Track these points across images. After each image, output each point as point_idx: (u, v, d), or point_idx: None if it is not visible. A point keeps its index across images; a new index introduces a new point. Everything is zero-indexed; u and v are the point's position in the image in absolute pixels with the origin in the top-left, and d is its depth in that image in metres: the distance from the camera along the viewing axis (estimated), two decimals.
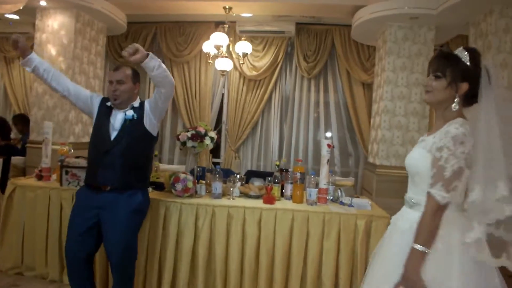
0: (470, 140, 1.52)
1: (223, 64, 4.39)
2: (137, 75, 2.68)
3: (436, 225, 1.53)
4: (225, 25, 4.31)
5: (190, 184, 3.05)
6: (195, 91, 5.79)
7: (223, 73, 4.65)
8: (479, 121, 1.54)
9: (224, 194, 3.20)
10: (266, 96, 5.65)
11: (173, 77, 5.63)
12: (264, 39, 5.57)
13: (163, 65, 2.47)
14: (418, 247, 1.51)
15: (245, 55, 4.35)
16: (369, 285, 1.78)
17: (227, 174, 3.58)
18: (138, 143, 2.60)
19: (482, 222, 1.51)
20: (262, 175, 4.09)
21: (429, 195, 1.55)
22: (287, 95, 5.80)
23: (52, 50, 4.49)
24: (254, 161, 5.85)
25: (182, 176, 3.05)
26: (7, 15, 5.39)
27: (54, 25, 4.48)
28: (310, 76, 5.57)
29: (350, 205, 3.10)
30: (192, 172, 3.71)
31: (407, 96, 4.07)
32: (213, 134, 3.14)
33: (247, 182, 3.62)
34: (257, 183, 3.66)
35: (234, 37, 5.37)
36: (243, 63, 4.77)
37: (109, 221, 2.52)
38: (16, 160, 4.43)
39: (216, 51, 4.35)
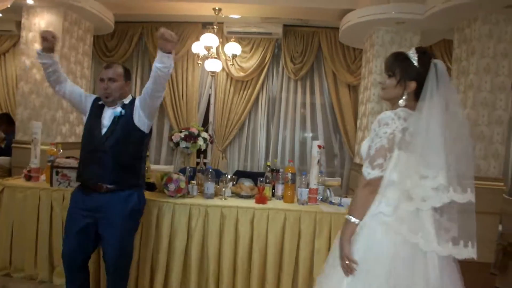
0: (398, 123, 1.64)
1: (213, 65, 4.42)
2: (128, 73, 2.69)
3: (366, 199, 1.67)
4: (215, 26, 4.32)
5: (182, 185, 3.07)
6: (182, 92, 5.79)
7: (213, 74, 4.67)
8: (421, 112, 1.63)
9: (216, 194, 3.24)
10: (253, 97, 5.71)
11: None
12: (252, 41, 5.62)
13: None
14: (350, 218, 1.67)
15: (234, 56, 4.39)
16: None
17: (216, 175, 3.62)
18: (128, 140, 2.55)
19: (422, 208, 1.63)
20: (251, 175, 4.13)
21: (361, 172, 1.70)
22: (274, 96, 5.86)
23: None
24: (241, 161, 5.89)
25: (174, 176, 3.07)
26: None
27: (41, 24, 4.42)
28: (296, 77, 5.65)
29: (340, 205, 3.18)
30: (183, 172, 3.73)
31: None
32: (205, 135, 3.18)
33: (236, 182, 3.66)
34: (247, 183, 3.70)
35: (222, 38, 5.39)
36: (232, 64, 4.80)
37: (106, 224, 2.51)
38: (1, 160, 4.36)
39: (205, 52, 4.37)
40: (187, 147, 3.09)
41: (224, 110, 5.73)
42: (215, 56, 4.45)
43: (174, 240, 2.99)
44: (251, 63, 5.60)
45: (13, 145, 4.52)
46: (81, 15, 4.69)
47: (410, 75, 1.70)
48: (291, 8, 4.59)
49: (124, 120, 2.56)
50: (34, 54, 4.44)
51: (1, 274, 3.24)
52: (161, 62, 2.37)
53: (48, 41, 2.44)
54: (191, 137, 3.06)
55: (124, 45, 5.90)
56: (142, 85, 6.01)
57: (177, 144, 3.10)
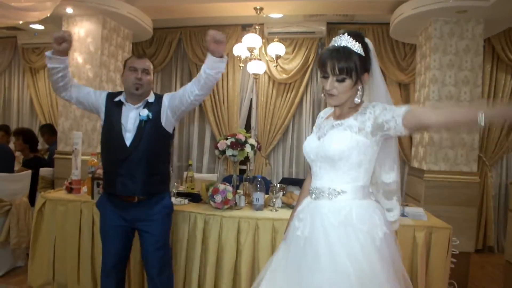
0: None
1: (256, 67, 4.18)
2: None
3: None
4: (257, 26, 4.10)
5: (230, 196, 2.85)
6: (223, 97, 5.60)
7: (256, 76, 4.44)
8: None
9: (265, 205, 2.99)
10: (297, 99, 5.42)
11: None
12: (294, 41, 5.35)
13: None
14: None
15: (278, 57, 4.14)
16: None
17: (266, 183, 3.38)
18: (157, 145, 2.38)
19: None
20: (299, 182, 3.85)
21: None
22: (319, 98, 5.55)
23: (79, 58, 4.37)
24: (286, 167, 5.61)
25: (221, 187, 2.85)
26: (32, 26, 5.33)
27: (81, 33, 4.36)
28: None
29: (404, 215, 2.84)
30: (227, 180, 3.52)
31: (456, 95, 3.78)
32: (253, 141, 2.94)
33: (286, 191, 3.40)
34: (297, 192, 3.43)
35: (263, 40, 5.15)
36: (276, 66, 4.55)
37: (146, 231, 2.40)
38: (44, 171, 4.31)
39: (248, 54, 4.14)
40: (233, 155, 2.85)
41: (267, 115, 5.48)
42: (258, 57, 4.21)
43: (222, 256, 2.77)
44: (294, 64, 5.33)
45: (55, 156, 4.47)
46: (120, 22, 4.60)
47: (364, 69, 1.56)
48: (337, 3, 4.29)
49: (152, 124, 2.36)
50: (75, 63, 4.40)
51: None
52: (213, 68, 2.21)
53: (66, 41, 2.22)
54: (238, 144, 2.83)
55: (163, 52, 5.79)
56: None
57: (223, 152, 2.87)
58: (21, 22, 3.73)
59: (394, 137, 1.60)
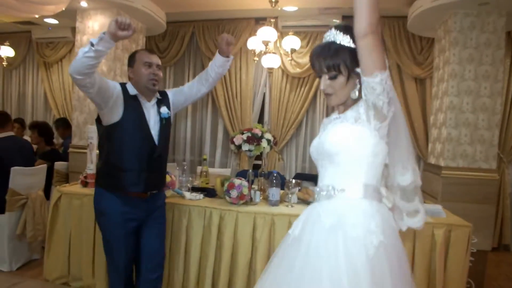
0: None
1: (271, 61, 4.13)
2: None
3: None
4: (271, 20, 4.04)
5: (245, 191, 2.82)
6: (236, 91, 5.56)
7: (271, 70, 4.39)
8: None
9: (280, 200, 2.96)
10: (310, 94, 5.36)
11: None
12: (308, 34, 5.28)
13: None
14: None
15: (293, 51, 4.08)
16: None
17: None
18: (168, 140, 2.50)
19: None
20: (313, 178, 3.81)
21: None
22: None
23: None
24: (299, 162, 5.57)
25: (237, 182, 2.83)
26: (46, 20, 5.34)
27: (95, 26, 4.36)
28: None
29: None
30: (241, 175, 3.48)
31: (476, 90, 3.69)
32: (269, 136, 2.90)
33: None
34: (312, 188, 3.39)
35: (277, 33, 5.10)
36: (291, 60, 4.50)
37: (153, 223, 2.45)
38: (58, 165, 4.33)
39: (262, 48, 4.09)
40: (250, 150, 2.82)
41: (280, 109, 5.43)
42: (273, 51, 4.16)
43: (238, 252, 2.74)
44: (308, 58, 5.25)
45: (69, 150, 4.48)
46: (133, 15, 4.58)
47: (355, 62, 1.40)
48: None
49: (167, 121, 2.42)
50: None
51: (59, 283, 3.18)
52: (224, 68, 2.40)
53: (129, 30, 1.97)
54: (254, 139, 2.79)
55: (176, 46, 5.77)
56: None
57: (239, 147, 2.84)
58: (37, 16, 3.73)
59: (403, 129, 1.50)
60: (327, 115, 5.32)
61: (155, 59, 2.34)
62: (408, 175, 1.50)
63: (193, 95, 2.49)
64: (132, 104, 2.29)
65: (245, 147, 2.80)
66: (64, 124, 5.15)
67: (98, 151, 2.48)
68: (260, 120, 5.69)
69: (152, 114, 2.35)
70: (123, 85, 2.32)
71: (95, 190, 2.43)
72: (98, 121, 2.34)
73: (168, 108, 2.42)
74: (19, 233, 3.56)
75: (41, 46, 6.36)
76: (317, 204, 1.53)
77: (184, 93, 2.48)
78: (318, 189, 1.54)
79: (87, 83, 2.08)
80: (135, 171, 2.28)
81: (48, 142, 4.68)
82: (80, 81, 2.06)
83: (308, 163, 5.55)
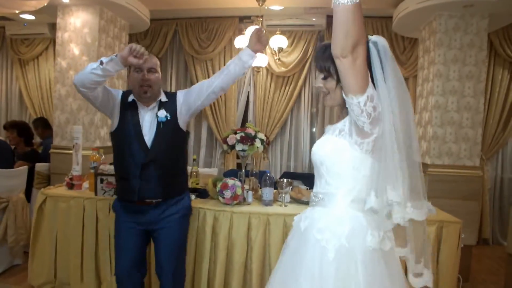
0: None
1: (258, 60, 4.11)
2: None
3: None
4: (259, 19, 4.02)
5: (239, 191, 2.80)
6: None
7: (258, 69, 4.37)
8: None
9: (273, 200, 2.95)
10: (295, 93, 5.38)
11: (196, 75, 5.49)
12: (293, 34, 5.29)
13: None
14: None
15: (280, 50, 4.07)
16: None
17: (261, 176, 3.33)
18: (174, 146, 2.30)
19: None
20: (301, 176, 3.82)
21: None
22: (318, 91, 5.51)
23: (75, 49, 4.23)
24: (284, 161, 5.58)
25: (230, 182, 2.80)
26: (22, 16, 5.15)
27: (77, 23, 4.22)
28: None
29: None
30: (228, 175, 3.46)
31: (460, 90, 3.79)
32: (262, 135, 2.88)
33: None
34: (302, 187, 3.40)
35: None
36: (278, 59, 4.49)
37: (161, 234, 2.30)
38: (40, 167, 4.18)
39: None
40: (243, 150, 2.80)
41: (265, 108, 5.43)
42: None
43: (233, 252, 2.72)
44: (293, 57, 5.28)
45: (51, 150, 4.34)
46: (116, 12, 4.47)
47: None
48: None
49: (170, 125, 2.26)
50: (71, 55, 4.25)
51: None
52: (245, 66, 2.25)
53: (141, 58, 2.02)
54: (248, 139, 2.77)
55: (158, 43, 5.67)
56: (177, 84, 5.82)
57: (232, 147, 2.81)
58: (17, 12, 3.59)
59: (390, 149, 1.35)
60: (312, 114, 5.39)
61: (147, 63, 2.17)
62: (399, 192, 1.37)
63: (204, 90, 2.27)
64: (128, 111, 2.25)
65: (239, 147, 2.78)
66: (43, 124, 4.98)
67: None
68: (244, 119, 5.67)
69: (147, 119, 2.25)
70: (125, 93, 2.32)
71: None
72: None
73: (171, 111, 2.27)
74: (0, 238, 3.42)
75: (15, 42, 6.13)
76: (306, 210, 1.57)
77: (194, 89, 2.32)
78: (311, 195, 1.57)
79: (90, 96, 2.14)
80: (128, 178, 2.24)
81: (28, 143, 4.52)
82: (83, 94, 2.13)
83: (293, 162, 5.57)
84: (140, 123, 2.24)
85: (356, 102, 1.29)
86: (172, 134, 2.27)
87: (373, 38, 1.41)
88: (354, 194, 1.43)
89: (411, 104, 1.44)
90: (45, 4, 3.40)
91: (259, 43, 2.19)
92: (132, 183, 2.22)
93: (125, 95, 2.31)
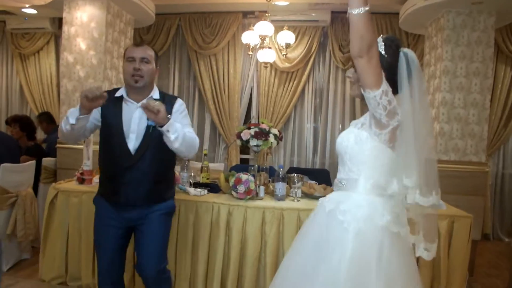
0: None
1: (266, 55, 4.12)
2: (158, 59, 2.28)
3: None
4: (267, 14, 4.03)
5: (252, 186, 2.83)
6: (223, 85, 5.52)
7: (266, 65, 4.38)
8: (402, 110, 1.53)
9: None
10: (299, 88, 5.40)
11: (200, 70, 5.48)
12: (297, 29, 5.29)
13: (186, 134, 2.09)
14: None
15: (288, 45, 4.09)
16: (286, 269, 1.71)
17: (271, 172, 3.35)
18: (163, 149, 2.12)
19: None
20: (308, 172, 3.85)
21: None
22: (321, 87, 5.54)
23: (82, 44, 4.21)
24: (288, 156, 5.61)
25: (244, 177, 2.82)
26: (24, 10, 5.10)
27: (83, 18, 4.19)
28: (345, 67, 5.29)
29: (440, 206, 2.87)
30: (236, 170, 3.47)
31: (467, 86, 3.83)
32: (275, 131, 2.90)
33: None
34: (311, 181, 3.43)
35: None
36: (285, 54, 4.50)
37: (144, 233, 2.21)
38: (46, 161, 4.16)
39: (256, 42, 4.08)
40: (257, 145, 2.81)
41: (269, 104, 5.44)
42: (268, 46, 4.15)
43: (247, 247, 2.75)
44: (297, 53, 5.29)
45: (57, 145, 4.32)
46: (122, 7, 4.45)
47: None
48: None
49: (158, 131, 2.07)
50: (77, 49, 4.24)
51: (56, 283, 3.08)
52: (169, 141, 2.08)
53: (101, 98, 1.93)
54: (262, 134, 2.78)
55: (161, 38, 5.65)
56: (180, 80, 5.84)
57: (246, 142, 2.82)
58: (27, 6, 3.55)
59: (411, 142, 1.52)
60: (315, 110, 5.41)
61: (139, 53, 2.12)
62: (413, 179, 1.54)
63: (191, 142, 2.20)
64: (109, 107, 2.13)
65: (253, 142, 2.80)
66: (48, 119, 4.96)
67: None
68: (248, 114, 5.68)
69: (135, 117, 2.13)
70: (112, 90, 2.23)
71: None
72: None
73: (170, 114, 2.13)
74: (10, 232, 3.41)
75: (16, 36, 6.08)
76: (332, 193, 1.75)
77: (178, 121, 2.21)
78: (335, 181, 1.74)
79: (87, 134, 2.24)
80: (111, 181, 2.17)
81: (30, 137, 4.50)
82: (74, 143, 2.25)
83: (297, 157, 5.60)
84: (124, 122, 2.13)
85: (373, 96, 1.46)
86: (161, 140, 2.09)
87: (404, 50, 1.58)
88: (373, 180, 1.59)
89: (429, 106, 1.60)
90: None
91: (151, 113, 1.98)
92: (116, 187, 2.15)
93: (112, 91, 2.20)
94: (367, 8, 1.37)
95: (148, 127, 2.11)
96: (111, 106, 2.13)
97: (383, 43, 1.57)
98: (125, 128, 2.12)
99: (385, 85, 1.46)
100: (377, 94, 1.45)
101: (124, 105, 2.16)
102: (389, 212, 1.54)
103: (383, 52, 1.55)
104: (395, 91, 1.53)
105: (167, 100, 2.20)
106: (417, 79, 1.55)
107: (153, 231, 2.21)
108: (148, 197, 2.18)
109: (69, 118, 2.01)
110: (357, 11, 1.37)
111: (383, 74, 1.49)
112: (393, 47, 1.57)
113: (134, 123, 2.12)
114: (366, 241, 1.49)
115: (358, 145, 1.61)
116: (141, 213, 2.19)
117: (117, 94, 2.17)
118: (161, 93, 2.26)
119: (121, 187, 2.14)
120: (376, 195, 1.58)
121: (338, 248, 1.51)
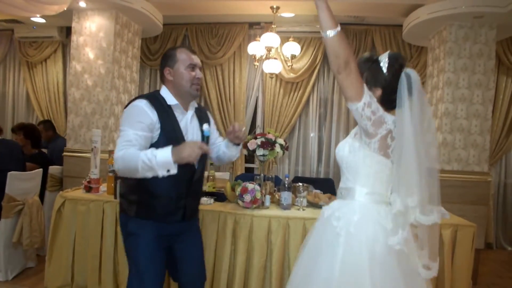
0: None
1: (272, 66, 4.18)
2: None
3: None
4: (273, 25, 4.10)
5: (258, 195, 2.85)
6: (229, 95, 5.58)
7: (272, 75, 4.44)
8: (400, 126, 1.59)
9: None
10: (304, 99, 5.45)
11: (206, 80, 5.53)
12: (302, 40, 5.36)
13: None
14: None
15: (293, 56, 4.15)
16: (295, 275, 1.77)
17: (277, 182, 3.39)
18: (206, 160, 2.18)
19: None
20: (314, 181, 3.90)
21: None
22: (326, 97, 5.60)
23: (90, 54, 4.28)
24: (292, 166, 5.65)
25: (250, 186, 2.85)
26: (32, 19, 5.18)
27: (92, 27, 4.27)
28: None
29: (445, 215, 2.90)
30: (241, 179, 3.51)
31: (469, 98, 3.89)
32: (281, 141, 2.94)
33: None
34: (316, 191, 3.46)
35: None
36: (291, 65, 4.56)
37: (186, 248, 2.15)
38: (53, 169, 4.20)
39: (261, 53, 4.15)
40: (264, 155, 2.85)
41: (274, 114, 5.49)
42: (274, 56, 4.21)
43: (253, 255, 2.76)
44: (302, 63, 5.35)
45: (64, 153, 4.36)
46: (131, 17, 4.53)
47: (375, 81, 1.65)
48: (351, 4, 4.31)
49: (208, 140, 2.07)
50: (86, 58, 4.30)
51: None
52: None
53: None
54: (269, 144, 2.83)
55: (168, 48, 5.72)
56: None
57: (253, 151, 2.87)
58: (38, 16, 3.63)
59: (409, 152, 1.54)
60: (320, 120, 5.45)
61: (198, 60, 2.04)
62: (414, 198, 1.55)
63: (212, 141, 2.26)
64: (165, 117, 1.95)
65: (260, 151, 2.84)
66: (51, 127, 5.01)
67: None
68: (253, 124, 5.73)
69: (191, 128, 2.05)
70: (154, 99, 1.97)
71: (120, 217, 2.13)
72: None
73: (209, 125, 2.14)
74: (16, 240, 3.44)
75: (23, 45, 6.15)
76: (333, 201, 1.81)
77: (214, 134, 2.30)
78: (337, 190, 1.82)
79: None
80: (172, 198, 1.99)
81: (35, 145, 4.53)
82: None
83: (301, 167, 5.63)
84: (184, 132, 2.01)
85: (355, 108, 1.53)
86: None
87: (407, 70, 1.62)
88: (368, 188, 1.65)
89: (432, 119, 1.71)
90: (65, 9, 3.45)
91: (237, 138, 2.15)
92: (177, 203, 2.01)
93: (157, 101, 1.97)
94: (338, 29, 1.46)
95: (203, 137, 2.04)
96: (165, 115, 1.95)
97: (387, 61, 1.61)
98: (186, 139, 2.01)
99: (367, 97, 1.52)
100: (359, 106, 1.52)
101: (177, 114, 2.01)
102: (384, 218, 1.59)
103: (384, 70, 1.61)
104: (391, 106, 1.61)
105: (203, 110, 2.23)
106: (417, 100, 1.57)
107: (196, 244, 2.21)
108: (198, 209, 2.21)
109: (159, 170, 1.78)
110: (329, 34, 1.46)
111: (380, 91, 1.61)
112: (396, 66, 1.61)
113: (191, 133, 2.05)
114: (357, 245, 1.54)
115: (352, 155, 1.68)
116: (181, 227, 2.10)
117: (170, 103, 1.99)
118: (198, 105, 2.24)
119: (185, 203, 2.04)
120: (372, 202, 1.64)
121: (330, 252, 1.58)
